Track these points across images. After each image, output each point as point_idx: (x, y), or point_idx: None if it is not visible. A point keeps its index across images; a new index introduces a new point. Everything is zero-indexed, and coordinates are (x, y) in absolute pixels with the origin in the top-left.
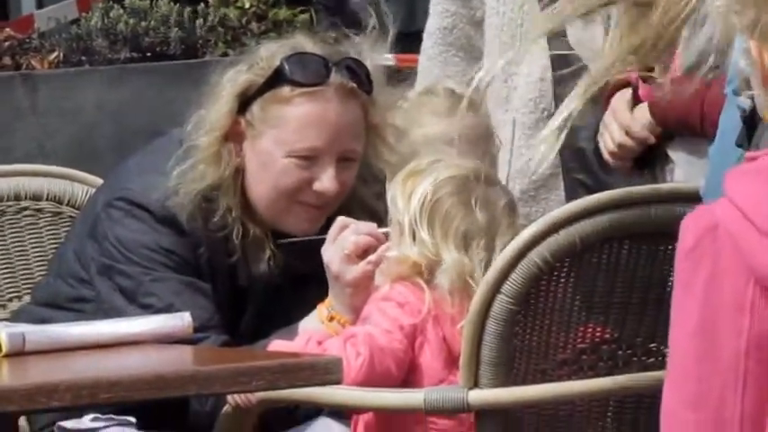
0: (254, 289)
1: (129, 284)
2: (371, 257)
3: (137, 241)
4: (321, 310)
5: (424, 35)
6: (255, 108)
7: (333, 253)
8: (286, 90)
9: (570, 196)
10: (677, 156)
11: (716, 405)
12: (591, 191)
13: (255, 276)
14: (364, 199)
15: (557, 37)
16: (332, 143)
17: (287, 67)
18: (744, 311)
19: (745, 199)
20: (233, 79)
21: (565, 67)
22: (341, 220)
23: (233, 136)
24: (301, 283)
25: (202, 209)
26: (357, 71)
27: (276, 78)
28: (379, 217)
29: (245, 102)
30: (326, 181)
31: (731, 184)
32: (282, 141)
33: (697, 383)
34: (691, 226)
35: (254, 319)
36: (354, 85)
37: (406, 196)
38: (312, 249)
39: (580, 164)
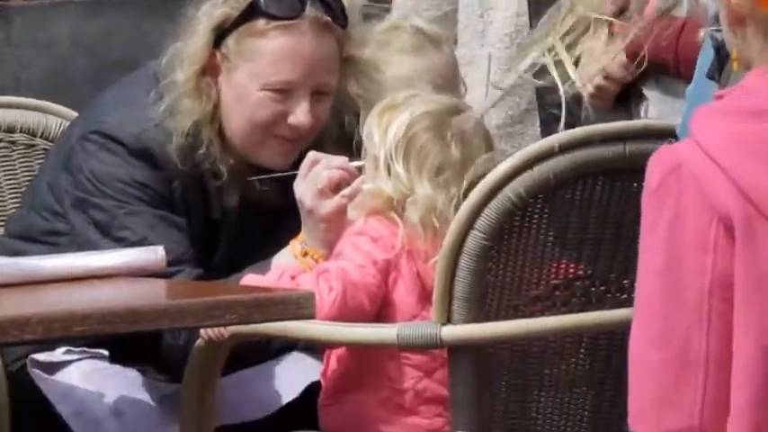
0: (228, 223)
1: (103, 218)
2: (345, 191)
3: (111, 175)
4: (294, 246)
5: None
6: (230, 41)
7: (305, 188)
8: (261, 23)
9: (545, 132)
10: (651, 94)
11: (681, 344)
12: (566, 127)
13: (229, 210)
14: (334, 132)
15: None
16: (306, 77)
17: (262, 0)
18: (707, 251)
19: (709, 138)
20: (209, 13)
21: (542, 3)
22: (312, 154)
23: (209, 69)
24: (275, 217)
25: (178, 142)
26: (332, 5)
27: (251, 11)
28: (351, 148)
29: (220, 35)
30: (301, 114)
31: (697, 124)
32: (257, 75)
33: (662, 322)
34: (656, 166)
35: (228, 252)
36: (329, 18)
37: (382, 130)
38: (286, 184)
39: (556, 99)
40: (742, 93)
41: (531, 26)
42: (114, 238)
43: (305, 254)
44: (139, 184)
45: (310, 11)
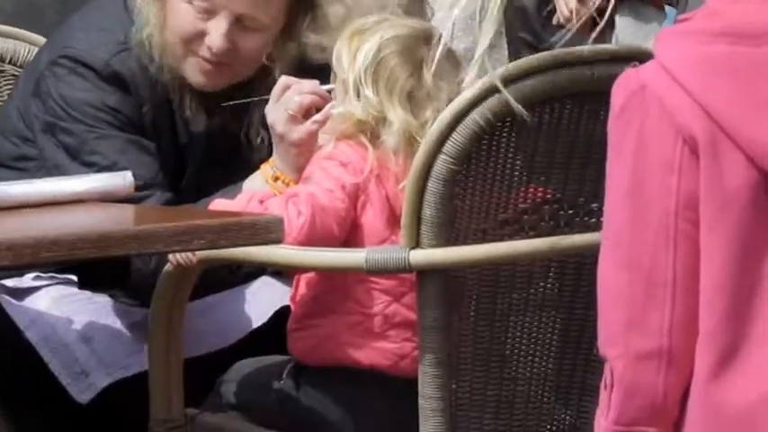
0: (195, 147)
1: (73, 142)
2: (317, 117)
3: (81, 99)
4: (265, 169)
5: None
6: None
7: (276, 114)
8: None
9: (514, 55)
10: (623, 20)
11: (648, 266)
12: (534, 50)
13: (196, 134)
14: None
15: None
16: (229, 1)
17: None
18: (672, 172)
19: (673, 60)
20: None
21: None
22: (284, 79)
23: None
24: (240, 142)
25: (144, 66)
26: None
27: None
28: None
29: None
30: (215, 36)
31: (661, 46)
32: None
33: (629, 245)
34: (620, 89)
35: (196, 176)
36: None
37: (351, 54)
38: (243, 111)
39: (524, 23)
40: (707, 14)
41: None
42: (84, 162)
43: (276, 178)
44: (110, 108)
45: None
